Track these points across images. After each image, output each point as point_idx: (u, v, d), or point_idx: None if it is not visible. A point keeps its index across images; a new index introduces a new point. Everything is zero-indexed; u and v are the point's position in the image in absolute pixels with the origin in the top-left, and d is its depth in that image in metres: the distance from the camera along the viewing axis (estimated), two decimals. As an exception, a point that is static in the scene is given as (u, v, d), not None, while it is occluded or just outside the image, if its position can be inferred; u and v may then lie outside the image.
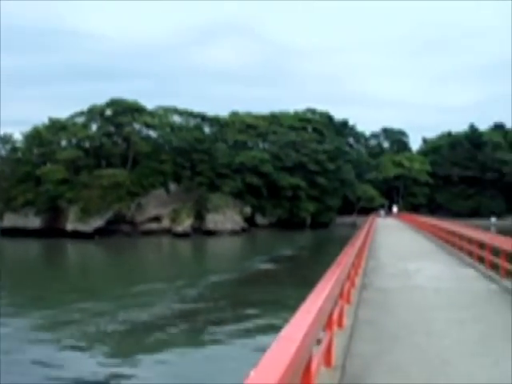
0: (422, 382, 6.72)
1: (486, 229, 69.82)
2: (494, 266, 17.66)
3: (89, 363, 17.92)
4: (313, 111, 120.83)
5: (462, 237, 24.72)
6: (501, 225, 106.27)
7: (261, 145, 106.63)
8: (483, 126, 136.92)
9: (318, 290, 5.97)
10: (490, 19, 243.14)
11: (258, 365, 3.17)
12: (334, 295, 6.79)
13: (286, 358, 3.36)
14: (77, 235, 75.38)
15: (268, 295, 28.57)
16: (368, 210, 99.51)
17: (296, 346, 3.63)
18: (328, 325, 6.93)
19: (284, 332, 3.98)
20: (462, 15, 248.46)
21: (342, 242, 16.93)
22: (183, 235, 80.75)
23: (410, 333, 9.39)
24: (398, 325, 10.03)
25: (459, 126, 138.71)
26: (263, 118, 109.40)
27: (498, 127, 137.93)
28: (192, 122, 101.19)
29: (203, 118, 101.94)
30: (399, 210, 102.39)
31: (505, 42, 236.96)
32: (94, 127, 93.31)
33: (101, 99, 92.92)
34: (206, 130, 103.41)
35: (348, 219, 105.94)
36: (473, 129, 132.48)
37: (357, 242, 16.23)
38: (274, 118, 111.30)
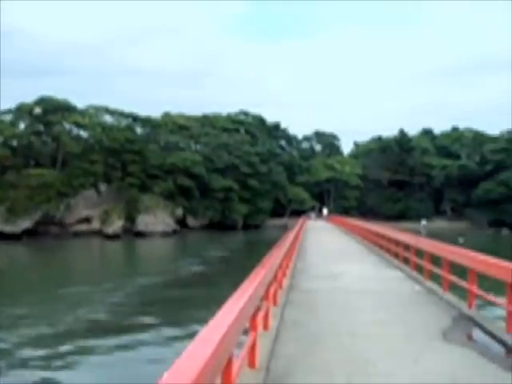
0: (343, 381, 6.82)
1: (417, 231, 71.60)
2: (419, 268, 18.07)
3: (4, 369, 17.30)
4: (245, 113, 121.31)
5: (389, 239, 25.21)
6: (430, 227, 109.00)
7: (193, 146, 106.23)
8: (412, 131, 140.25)
9: (240, 291, 5.98)
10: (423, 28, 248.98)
11: (173, 366, 3.15)
12: (257, 296, 6.81)
13: (201, 358, 3.35)
14: (3, 236, 73.34)
15: (199, 297, 28.43)
16: (299, 213, 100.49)
17: (213, 347, 3.63)
18: (252, 326, 6.96)
19: (202, 333, 3.97)
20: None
21: (273, 244, 16.97)
22: (114, 237, 79.64)
23: (334, 333, 9.51)
24: (324, 326, 10.15)
25: (389, 131, 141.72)
26: (196, 119, 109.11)
27: (427, 132, 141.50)
28: (124, 122, 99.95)
29: (135, 118, 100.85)
30: (330, 212, 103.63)
31: (435, 51, 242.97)
32: (22, 126, 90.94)
33: (30, 98, 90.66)
34: (138, 130, 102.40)
35: (279, 221, 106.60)
36: (402, 134, 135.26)
37: (284, 244, 16.35)
38: (207, 120, 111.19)
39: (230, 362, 4.68)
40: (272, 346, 8.38)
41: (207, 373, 3.36)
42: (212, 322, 4.34)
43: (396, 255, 22.84)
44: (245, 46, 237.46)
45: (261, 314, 8.18)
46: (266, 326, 9.28)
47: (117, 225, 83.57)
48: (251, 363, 7.02)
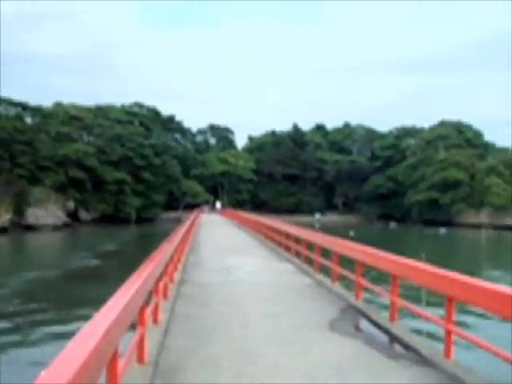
0: (233, 373, 6.86)
1: (311, 225, 73.01)
2: (309, 261, 18.40)
3: None
4: (140, 105, 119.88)
5: (281, 232, 25.54)
6: (322, 221, 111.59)
7: (85, 137, 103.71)
8: (306, 126, 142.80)
9: (127, 285, 5.87)
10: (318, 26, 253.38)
11: (50, 364, 3.03)
12: (145, 291, 6.71)
13: (82, 355, 3.24)
14: None
15: (88, 292, 27.78)
16: (193, 206, 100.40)
17: (95, 343, 3.52)
18: (140, 321, 6.85)
19: (84, 329, 3.86)
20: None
21: (167, 237, 16.81)
22: (1, 230, 76.71)
23: (226, 326, 9.54)
24: (215, 319, 10.16)
25: (284, 126, 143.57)
26: (88, 110, 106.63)
27: (319, 128, 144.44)
28: (12, 112, 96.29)
29: (24, 107, 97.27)
30: (224, 206, 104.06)
31: (330, 49, 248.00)
32: None
33: None
34: (28, 120, 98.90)
35: (173, 214, 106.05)
36: (296, 129, 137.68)
37: (176, 237, 16.25)
38: (100, 111, 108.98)
39: (114, 358, 4.57)
40: (162, 340, 8.31)
41: (88, 370, 3.26)
42: (95, 318, 4.22)
43: (288, 248, 23.15)
44: (143, 35, 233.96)
45: (150, 309, 8.07)
46: (155, 320, 9.19)
47: (4, 218, 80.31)
48: (139, 358, 6.92)
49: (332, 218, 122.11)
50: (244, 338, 8.71)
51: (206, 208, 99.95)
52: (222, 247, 26.46)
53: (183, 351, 7.88)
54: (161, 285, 9.86)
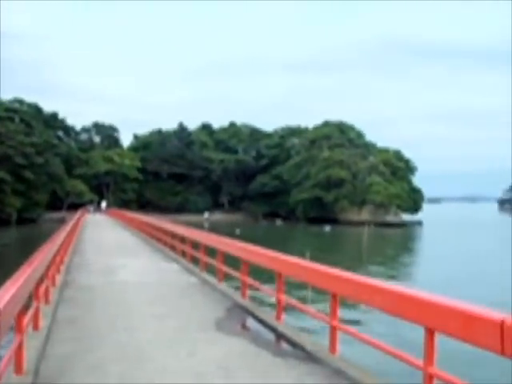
0: (120, 377, 6.69)
1: (200, 224, 72.87)
2: (195, 260, 18.36)
3: None
4: (20, 102, 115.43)
5: (166, 232, 25.40)
6: (210, 220, 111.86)
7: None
8: (192, 125, 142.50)
9: (1, 291, 5.57)
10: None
11: None
12: (22, 296, 6.41)
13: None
14: None
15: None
16: (78, 206, 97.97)
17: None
18: (17, 328, 6.54)
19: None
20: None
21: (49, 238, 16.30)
22: None
23: (111, 330, 9.36)
24: (101, 322, 9.94)
25: (170, 124, 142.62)
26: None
27: (205, 127, 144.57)
28: None
29: None
30: (109, 205, 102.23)
31: (216, 47, 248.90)
32: None
33: None
34: None
35: (57, 215, 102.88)
36: (182, 127, 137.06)
37: (59, 238, 15.78)
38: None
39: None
40: (42, 348, 7.97)
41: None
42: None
43: (173, 248, 23.06)
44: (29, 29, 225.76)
45: (29, 314, 7.74)
46: (36, 327, 8.82)
47: None
48: (17, 368, 6.57)
49: (218, 216, 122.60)
50: (131, 341, 8.55)
51: (91, 208, 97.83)
52: (108, 248, 26.00)
53: (66, 358, 7.62)
54: (41, 288, 9.49)
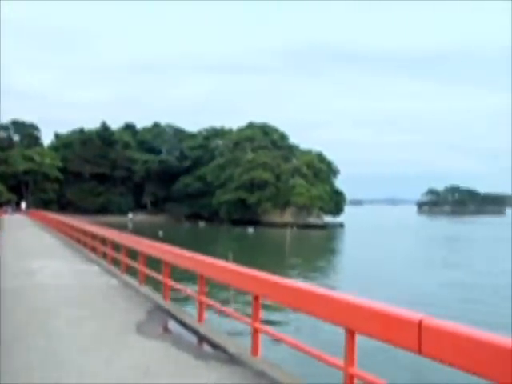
0: (39, 385, 6.48)
1: (123, 225, 71.89)
2: (116, 262, 18.11)
3: None
4: None
5: (86, 233, 25.02)
6: (135, 220, 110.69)
7: None
8: (115, 124, 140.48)
9: None
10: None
11: None
12: None
13: None
14: None
15: None
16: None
17: None
18: None
19: None
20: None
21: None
22: None
23: (28, 335, 9.07)
24: (15, 328, 9.60)
25: (92, 124, 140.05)
26: None
27: (129, 127, 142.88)
28: None
29: None
30: (28, 206, 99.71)
31: (129, 45, 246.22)
32: None
33: None
34: None
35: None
36: (105, 127, 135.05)
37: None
38: None
39: None
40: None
41: None
42: None
43: (94, 249, 22.72)
44: None
45: None
46: None
47: None
48: None
49: (141, 217, 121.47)
50: (48, 348, 8.28)
51: (9, 209, 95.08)
52: (26, 250, 25.34)
53: (-24, 364, 7.32)
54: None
